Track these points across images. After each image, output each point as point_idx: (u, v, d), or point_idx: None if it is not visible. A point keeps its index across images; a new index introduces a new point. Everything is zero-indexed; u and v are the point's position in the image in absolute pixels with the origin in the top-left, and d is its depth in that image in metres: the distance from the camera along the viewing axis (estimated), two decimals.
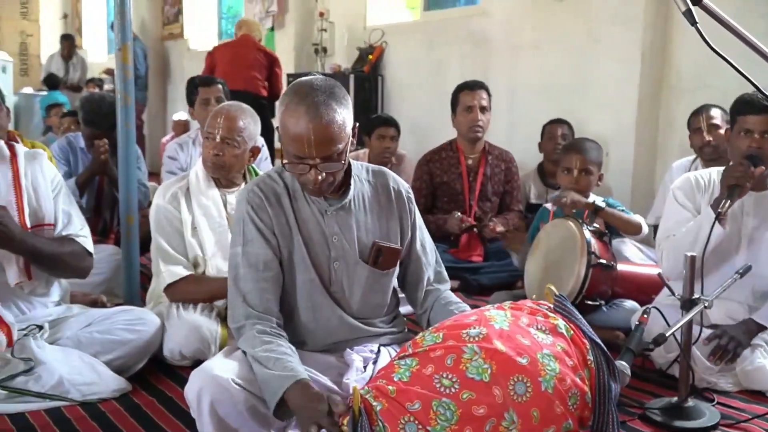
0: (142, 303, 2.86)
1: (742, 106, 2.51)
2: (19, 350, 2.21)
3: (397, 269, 2.08)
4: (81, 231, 2.45)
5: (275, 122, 2.73)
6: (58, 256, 2.34)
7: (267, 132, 5.33)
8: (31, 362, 2.19)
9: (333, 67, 6.48)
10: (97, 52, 10.81)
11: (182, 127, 8.00)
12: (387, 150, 4.38)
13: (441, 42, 5.78)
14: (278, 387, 1.64)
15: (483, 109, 3.78)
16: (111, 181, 3.67)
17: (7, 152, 2.37)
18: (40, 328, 2.33)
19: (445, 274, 2.17)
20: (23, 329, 2.29)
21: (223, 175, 2.72)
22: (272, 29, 7.30)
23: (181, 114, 8.19)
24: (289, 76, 6.72)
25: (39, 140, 4.98)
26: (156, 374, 2.45)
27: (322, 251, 1.95)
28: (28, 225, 2.31)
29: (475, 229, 3.74)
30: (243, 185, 2.80)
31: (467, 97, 3.78)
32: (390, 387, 1.53)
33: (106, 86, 9.41)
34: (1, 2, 12.01)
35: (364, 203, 2.01)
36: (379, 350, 2.03)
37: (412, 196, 2.12)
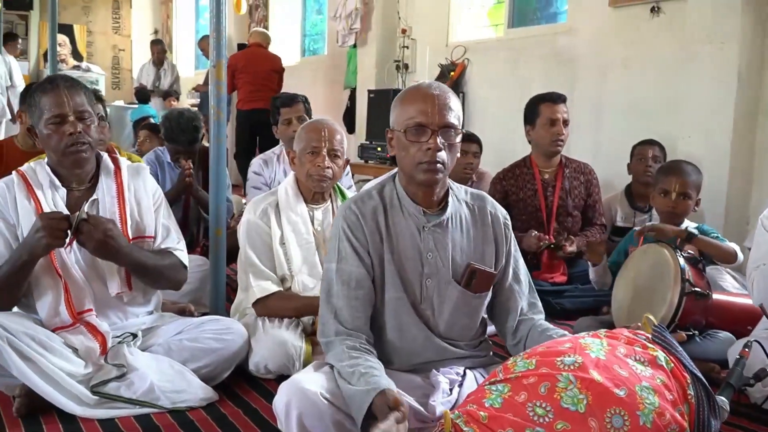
0: (226, 313, 2.91)
1: None
2: (112, 356, 2.28)
3: (489, 294, 2.06)
4: (178, 245, 2.53)
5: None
6: (159, 269, 2.41)
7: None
8: (123, 368, 2.24)
9: (414, 83, 6.49)
10: (186, 68, 11.19)
11: None
12: (469, 165, 4.34)
13: (525, 60, 5.71)
14: (363, 402, 1.65)
15: (566, 123, 3.69)
16: (196, 199, 3.76)
17: (111, 165, 2.47)
18: (134, 336, 2.39)
19: (540, 305, 2.14)
20: (118, 336, 2.36)
21: (327, 187, 2.76)
22: (354, 46, 7.39)
23: None
24: (370, 92, 6.78)
25: (130, 152, 5.16)
26: (242, 385, 2.48)
27: (414, 267, 1.96)
28: (130, 236, 2.38)
29: (552, 247, 3.64)
30: (329, 201, 2.83)
31: (550, 109, 3.67)
32: (481, 413, 1.51)
33: (190, 100, 9.71)
34: (95, 17, 12.61)
35: (461, 224, 2.01)
36: (465, 373, 2.02)
37: (509, 223, 2.11)
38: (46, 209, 2.28)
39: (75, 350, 2.25)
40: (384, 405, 1.61)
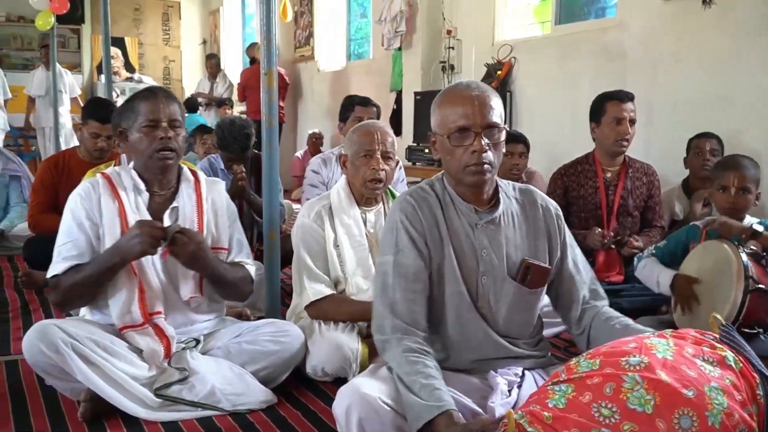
0: (282, 317, 2.93)
1: None
2: (175, 360, 2.32)
3: (544, 289, 2.04)
4: (248, 259, 2.61)
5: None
6: (234, 282, 2.49)
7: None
8: (185, 371, 2.28)
9: None
10: (235, 76, 11.35)
11: (314, 142, 8.35)
12: (515, 167, 4.30)
13: (573, 56, 5.64)
14: (423, 415, 1.64)
15: (632, 122, 3.59)
16: (249, 204, 3.82)
17: (191, 177, 2.53)
18: (198, 342, 2.44)
19: (602, 291, 2.12)
20: (182, 342, 2.41)
21: (381, 191, 2.77)
22: (400, 49, 7.40)
23: (314, 129, 8.60)
24: (416, 94, 6.78)
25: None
26: (299, 388, 2.50)
27: (471, 264, 1.94)
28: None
29: (614, 246, 3.58)
30: (381, 203, 2.83)
31: (616, 108, 3.57)
32: (545, 413, 1.49)
33: (241, 108, 9.86)
34: (145, 30, 12.87)
35: (513, 220, 2.00)
36: (523, 374, 1.99)
37: (560, 213, 2.09)
38: (129, 211, 2.35)
39: (138, 353, 2.29)
40: (446, 426, 1.60)
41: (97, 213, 2.36)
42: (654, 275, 2.95)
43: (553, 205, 2.08)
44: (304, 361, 2.52)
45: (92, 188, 2.39)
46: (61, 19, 8.41)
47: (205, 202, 2.51)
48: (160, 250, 2.28)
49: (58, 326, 2.19)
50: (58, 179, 3.98)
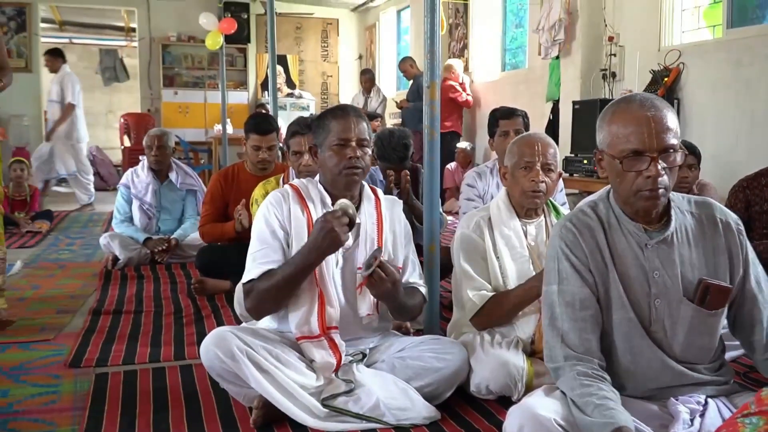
0: (440, 331, 2.92)
1: None
2: (342, 372, 2.37)
3: (725, 311, 1.90)
4: (420, 280, 2.64)
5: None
6: (411, 308, 2.54)
7: None
8: (351, 384, 2.32)
9: (623, 92, 6.22)
10: (389, 89, 11.59)
11: (464, 155, 8.30)
12: (684, 180, 4.05)
13: (747, 62, 5.27)
14: None
15: None
16: (411, 208, 3.86)
17: (372, 195, 2.59)
18: (364, 356, 2.48)
19: None
20: (349, 354, 2.45)
21: (541, 203, 2.71)
22: (557, 58, 7.24)
23: (463, 143, 8.55)
24: (574, 104, 6.60)
25: None
26: (462, 405, 2.46)
27: (641, 288, 1.85)
28: None
29: None
30: (542, 216, 2.76)
31: None
32: None
33: (393, 121, 10.04)
34: (306, 47, 13.45)
35: (688, 236, 1.87)
36: (706, 402, 1.86)
37: (742, 227, 1.93)
38: None
39: (307, 363, 2.35)
40: None
41: (287, 222, 2.44)
42: None
43: (733, 218, 1.93)
44: (467, 378, 2.48)
45: (282, 198, 2.48)
46: (228, 39, 8.93)
47: (385, 221, 2.55)
48: (350, 238, 2.33)
49: (234, 334, 2.29)
50: (227, 191, 4.21)
